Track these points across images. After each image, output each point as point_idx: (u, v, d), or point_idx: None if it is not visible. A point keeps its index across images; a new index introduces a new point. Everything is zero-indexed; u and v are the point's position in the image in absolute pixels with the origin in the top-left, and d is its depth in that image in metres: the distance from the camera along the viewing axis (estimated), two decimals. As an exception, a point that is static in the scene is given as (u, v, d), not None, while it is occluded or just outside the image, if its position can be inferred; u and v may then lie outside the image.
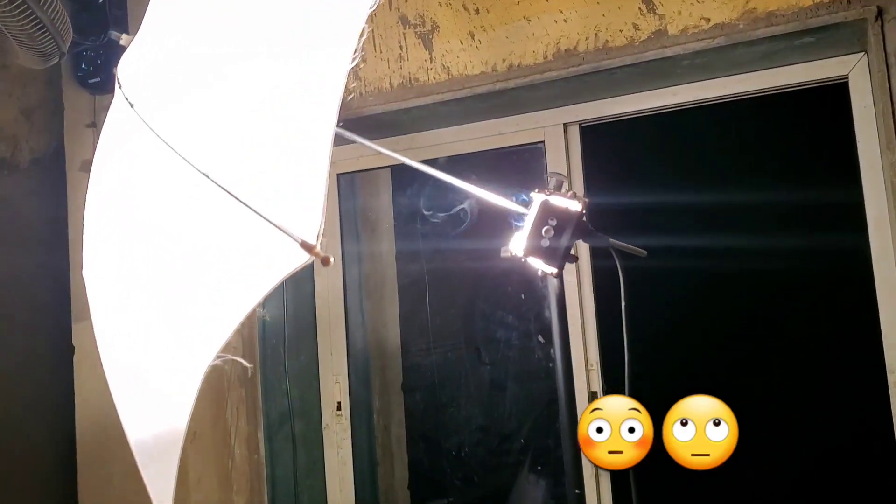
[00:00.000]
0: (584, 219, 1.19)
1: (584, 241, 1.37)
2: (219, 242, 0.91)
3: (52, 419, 2.66)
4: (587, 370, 2.56)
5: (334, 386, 2.88)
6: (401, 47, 2.45)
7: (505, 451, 3.09)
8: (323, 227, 0.78)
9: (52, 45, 2.16)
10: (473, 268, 3.07)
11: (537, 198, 1.19)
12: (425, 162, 2.62)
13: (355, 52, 0.85)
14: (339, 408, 2.88)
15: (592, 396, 2.56)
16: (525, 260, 1.19)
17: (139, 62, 1.05)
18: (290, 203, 0.82)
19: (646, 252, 1.44)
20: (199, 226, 0.92)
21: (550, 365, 2.95)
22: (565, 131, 2.61)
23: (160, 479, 1.08)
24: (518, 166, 2.81)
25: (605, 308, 2.57)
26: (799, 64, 2.30)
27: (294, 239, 0.78)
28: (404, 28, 2.45)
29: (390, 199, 3.24)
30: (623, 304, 1.41)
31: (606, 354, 2.56)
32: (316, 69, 0.86)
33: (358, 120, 2.53)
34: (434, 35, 2.42)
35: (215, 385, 2.53)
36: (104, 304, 1.09)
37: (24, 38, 2.08)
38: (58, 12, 2.09)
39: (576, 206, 1.17)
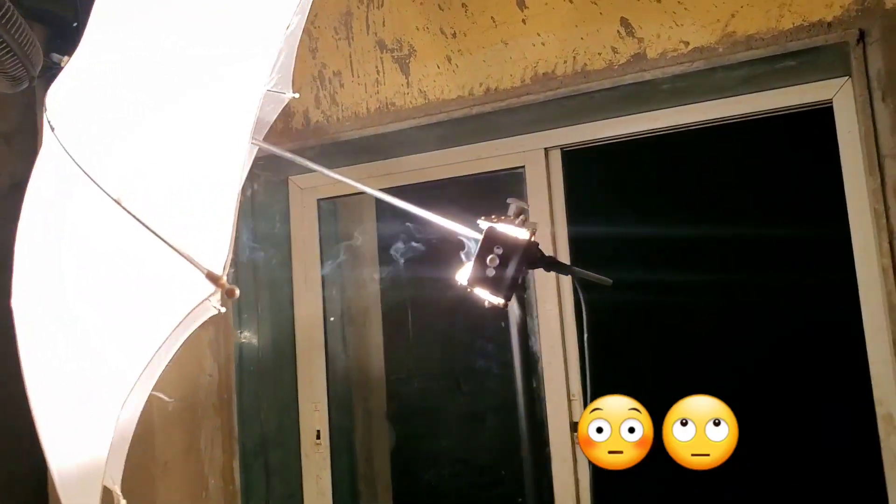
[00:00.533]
0: (536, 247, 1.14)
1: (546, 269, 1.32)
2: (133, 271, 0.86)
3: (24, 458, 2.59)
4: (569, 400, 2.50)
5: (313, 414, 2.83)
6: (378, 72, 2.42)
7: (494, 483, 3.03)
8: (231, 257, 0.74)
9: (22, 70, 2.13)
10: (456, 295, 3.02)
11: (483, 225, 1.14)
12: (404, 188, 2.61)
13: (273, 69, 0.81)
14: (318, 436, 2.82)
15: (574, 427, 2.50)
16: (471, 290, 1.14)
17: (68, 85, 1.02)
18: (199, 232, 0.78)
19: (611, 281, 1.39)
20: (114, 253, 0.88)
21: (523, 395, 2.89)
22: (546, 156, 2.56)
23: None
24: (500, 192, 2.77)
25: (592, 337, 2.52)
26: (781, 88, 2.26)
27: (200, 269, 0.74)
28: (381, 52, 2.42)
29: (374, 225, 3.19)
30: (585, 334, 1.37)
31: (591, 384, 2.50)
32: (230, 88, 0.82)
33: (335, 145, 2.50)
34: (411, 59, 2.39)
35: (188, 412, 2.47)
36: (29, 332, 1.05)
37: (-9, 61, 2.05)
38: (26, 37, 2.06)
39: (524, 235, 1.12)
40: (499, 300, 1.13)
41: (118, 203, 0.81)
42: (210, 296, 0.75)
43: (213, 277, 0.73)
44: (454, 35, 2.34)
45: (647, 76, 2.16)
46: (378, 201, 3.10)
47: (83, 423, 1.00)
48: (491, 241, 1.11)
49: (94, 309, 0.93)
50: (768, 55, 2.06)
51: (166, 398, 1.15)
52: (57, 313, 1.00)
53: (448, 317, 3.10)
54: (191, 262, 0.75)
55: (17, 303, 1.07)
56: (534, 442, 1.47)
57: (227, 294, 0.74)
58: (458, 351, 3.10)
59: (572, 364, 2.49)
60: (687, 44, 2.11)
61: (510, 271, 1.11)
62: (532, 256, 1.13)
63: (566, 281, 2.51)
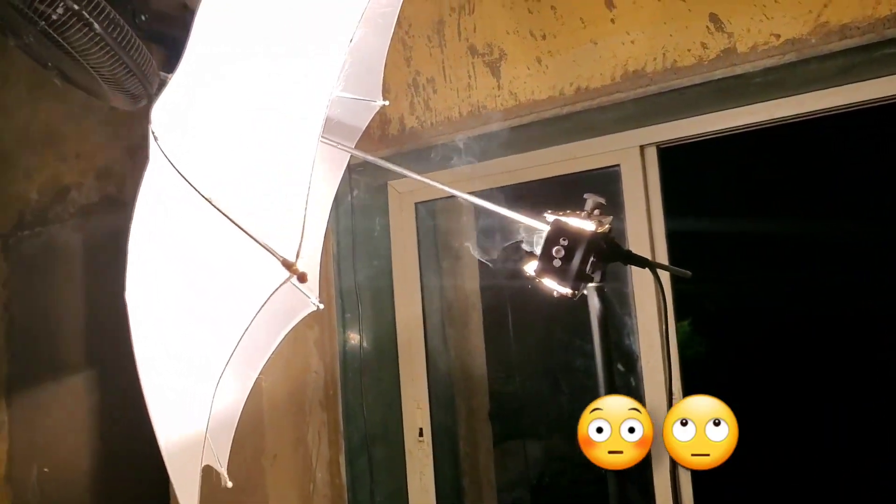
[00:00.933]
0: (606, 240, 1.18)
1: (623, 263, 1.36)
2: (222, 262, 0.96)
3: (148, 448, 2.79)
4: (669, 398, 2.49)
5: (416, 412, 2.91)
6: (469, 76, 2.49)
7: (596, 480, 3.04)
8: (302, 246, 0.82)
9: (140, 88, 2.31)
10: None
11: (550, 218, 1.19)
12: (497, 189, 2.66)
13: (338, 77, 0.89)
14: (420, 434, 2.90)
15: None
16: (539, 281, 1.19)
17: (168, 98, 1.13)
18: (276, 223, 0.86)
19: (689, 273, 1.41)
20: (207, 246, 0.99)
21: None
22: (642, 153, 2.57)
23: (185, 479, 1.15)
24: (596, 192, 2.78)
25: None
26: (882, 77, 2.20)
27: (276, 257, 0.82)
28: (473, 57, 2.49)
29: (474, 226, 3.25)
30: (665, 324, 1.39)
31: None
32: (301, 91, 0.91)
33: (429, 149, 2.58)
34: (502, 62, 2.45)
35: (296, 408, 2.60)
36: (141, 323, 1.17)
37: (113, 80, 2.24)
38: (144, 57, 2.23)
39: (589, 227, 1.17)
40: (566, 290, 1.18)
41: (209, 202, 0.90)
42: (284, 281, 0.83)
43: (287, 264, 0.82)
44: (544, 37, 2.39)
45: (738, 70, 2.15)
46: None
47: (184, 403, 1.11)
48: (557, 234, 1.16)
49: (187, 298, 1.04)
50: (864, 44, 2.01)
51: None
52: (157, 304, 1.11)
53: (548, 316, 3.13)
54: (269, 252, 0.83)
55: (129, 296, 1.19)
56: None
57: (300, 279, 0.82)
58: (558, 350, 3.13)
59: (672, 363, 2.48)
60: (778, 36, 2.09)
61: (576, 262, 1.15)
62: (598, 248, 1.17)
63: (665, 279, 2.50)
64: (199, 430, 1.06)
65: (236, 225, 0.87)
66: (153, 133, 1.05)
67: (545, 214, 1.21)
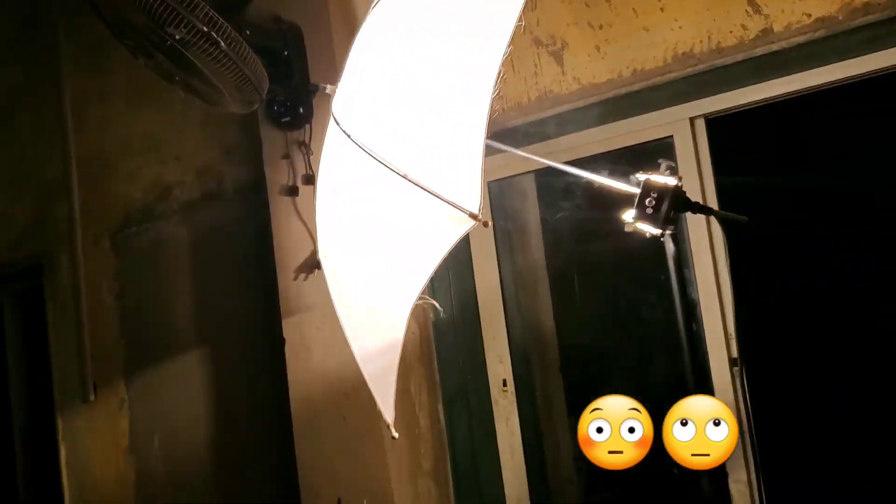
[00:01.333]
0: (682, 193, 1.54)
1: (693, 212, 1.71)
2: (411, 218, 1.32)
3: (271, 400, 3.18)
4: (727, 339, 2.81)
5: (499, 365, 3.28)
6: (535, 65, 2.84)
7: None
8: (482, 202, 1.18)
9: (255, 94, 2.68)
10: (617, 255, 3.39)
11: (641, 178, 1.55)
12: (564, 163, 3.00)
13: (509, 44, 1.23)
14: (504, 384, 3.27)
15: (734, 363, 2.81)
16: (636, 226, 1.55)
17: (350, 101, 1.48)
18: (460, 187, 1.22)
19: (746, 219, 1.75)
20: (395, 206, 1.34)
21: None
22: (692, 125, 2.88)
23: (385, 395, 1.51)
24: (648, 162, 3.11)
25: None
26: (904, 46, 2.49)
27: (465, 212, 1.19)
28: (537, 48, 2.84)
29: (536, 203, 3.61)
30: (727, 268, 1.72)
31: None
32: (472, 60, 1.25)
33: (503, 132, 2.94)
34: (564, 51, 2.79)
35: (401, 362, 2.97)
36: (338, 278, 1.54)
37: (233, 90, 2.61)
38: (257, 67, 2.60)
39: (672, 182, 1.52)
40: (657, 231, 1.53)
41: (405, 178, 1.26)
42: (471, 228, 1.19)
43: (473, 216, 1.18)
44: (601, 27, 2.73)
45: (775, 47, 2.47)
46: (538, 180, 3.54)
47: (380, 334, 1.47)
48: (648, 189, 1.52)
49: (384, 248, 1.40)
50: (885, 18, 2.32)
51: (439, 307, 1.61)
52: (356, 259, 1.48)
53: (609, 277, 3.47)
54: (459, 209, 1.19)
55: (322, 257, 1.56)
56: (697, 377, 1.73)
57: (484, 225, 1.19)
58: (623, 303, 3.47)
59: (727, 306, 2.79)
60: (810, 15, 2.41)
61: (663, 209, 1.51)
62: (679, 198, 1.53)
63: (717, 235, 2.82)
64: (395, 357, 1.41)
65: (430, 192, 1.23)
66: (345, 131, 1.41)
67: (636, 175, 1.57)
